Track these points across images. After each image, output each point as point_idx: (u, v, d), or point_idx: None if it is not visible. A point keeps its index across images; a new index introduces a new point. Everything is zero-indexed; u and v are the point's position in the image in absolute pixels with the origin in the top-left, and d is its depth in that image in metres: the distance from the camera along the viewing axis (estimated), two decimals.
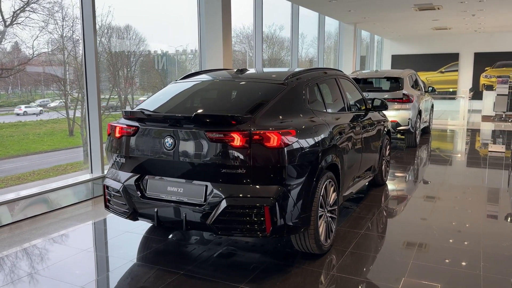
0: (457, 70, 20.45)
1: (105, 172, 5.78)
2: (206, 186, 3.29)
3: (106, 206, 3.84)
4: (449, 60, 20.50)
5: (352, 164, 4.54)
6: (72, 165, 9.00)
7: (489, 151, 9.19)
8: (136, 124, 3.53)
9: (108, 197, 3.78)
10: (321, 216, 3.67)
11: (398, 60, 21.29)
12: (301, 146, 3.38)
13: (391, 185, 6.41)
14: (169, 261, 3.74)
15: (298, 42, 12.42)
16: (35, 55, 7.63)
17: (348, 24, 15.21)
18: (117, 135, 3.61)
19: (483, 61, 19.87)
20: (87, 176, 5.69)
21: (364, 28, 17.44)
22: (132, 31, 9.48)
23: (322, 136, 3.73)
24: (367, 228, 4.54)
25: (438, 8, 12.01)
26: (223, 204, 3.19)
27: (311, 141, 3.52)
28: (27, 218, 4.87)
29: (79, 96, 8.84)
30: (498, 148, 9.34)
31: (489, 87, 19.19)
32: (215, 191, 3.24)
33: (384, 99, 8.63)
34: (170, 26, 9.93)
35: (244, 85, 3.95)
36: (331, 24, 15.11)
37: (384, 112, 6.26)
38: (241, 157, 3.14)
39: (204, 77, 4.30)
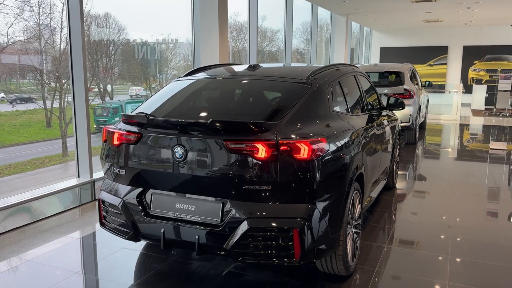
0: (445, 64, 20.29)
1: (94, 176, 5.25)
2: (223, 203, 2.81)
3: (102, 224, 3.31)
4: (438, 53, 20.31)
5: (373, 169, 4.13)
6: (50, 158, 8.57)
7: (491, 148, 8.93)
8: (139, 130, 3.01)
9: (104, 214, 3.26)
10: (348, 233, 3.23)
11: (387, 53, 21.02)
12: (332, 156, 2.92)
13: (402, 188, 6.03)
14: (174, 285, 3.26)
15: (292, 34, 11.93)
16: (9, 43, 7.11)
17: (340, 15, 14.78)
18: (116, 142, 3.08)
19: (471, 54, 19.73)
20: (74, 182, 5.12)
21: (355, 20, 17.04)
22: (112, 19, 9.00)
23: (351, 143, 3.28)
24: (389, 242, 4.14)
25: (435, 0, 11.67)
26: (244, 226, 2.71)
27: (341, 150, 3.07)
28: (7, 231, 4.30)
29: (57, 86, 8.33)
30: (500, 146, 9.09)
31: (478, 81, 19.10)
32: (234, 210, 2.76)
33: (384, 94, 8.28)
34: (152, 14, 9.41)
35: (262, 84, 3.45)
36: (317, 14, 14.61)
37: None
38: (266, 170, 2.67)
39: (212, 74, 3.77)
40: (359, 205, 3.54)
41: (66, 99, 8.28)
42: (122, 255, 3.79)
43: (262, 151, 2.64)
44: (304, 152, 2.68)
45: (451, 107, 14.49)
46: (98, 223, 3.43)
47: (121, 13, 8.88)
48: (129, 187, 3.08)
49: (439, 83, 19.97)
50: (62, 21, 7.76)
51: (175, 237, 2.93)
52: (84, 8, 5.10)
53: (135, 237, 3.07)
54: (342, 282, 3.30)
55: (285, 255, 2.72)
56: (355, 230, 3.44)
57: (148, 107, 3.32)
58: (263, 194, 2.71)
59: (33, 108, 8.42)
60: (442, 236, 4.27)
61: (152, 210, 3.00)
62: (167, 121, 2.92)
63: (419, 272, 3.52)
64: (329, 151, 2.87)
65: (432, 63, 20.46)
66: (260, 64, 3.89)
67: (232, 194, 2.76)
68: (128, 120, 3.08)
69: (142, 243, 3.96)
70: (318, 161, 2.75)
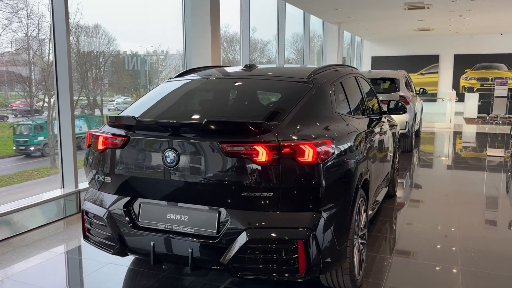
0: (437, 72, 20.30)
1: (79, 186, 4.96)
2: (219, 213, 2.55)
3: (86, 237, 3.03)
4: (429, 62, 20.31)
5: (376, 176, 3.90)
6: (38, 170, 8.29)
7: (488, 155, 8.77)
8: (126, 133, 2.75)
9: (88, 226, 2.97)
10: (354, 244, 2.98)
11: (378, 62, 20.98)
12: (338, 160, 2.69)
13: (403, 196, 5.81)
14: None
15: (284, 43, 11.76)
16: None
17: (332, 24, 14.70)
18: (101, 147, 2.81)
19: (462, 63, 19.75)
20: (58, 192, 4.82)
21: (346, 28, 16.98)
22: (102, 31, 8.80)
23: (356, 146, 3.05)
24: (395, 252, 3.89)
25: (428, 7, 11.60)
26: (243, 237, 2.45)
27: (347, 154, 2.84)
28: None
29: (45, 97, 8.10)
30: (497, 153, 8.93)
31: (470, 89, 19.10)
32: (232, 220, 2.50)
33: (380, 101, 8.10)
34: (142, 25, 9.21)
35: (259, 83, 3.22)
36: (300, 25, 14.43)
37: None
38: (267, 175, 2.42)
39: (205, 74, 3.53)
40: (364, 214, 3.30)
41: (54, 111, 8.02)
42: (109, 271, 3.50)
43: (262, 154, 2.40)
44: (308, 154, 2.44)
45: (444, 115, 14.39)
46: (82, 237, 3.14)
47: (111, 24, 8.68)
48: (115, 196, 2.81)
49: (431, 91, 19.93)
50: (50, 32, 7.58)
51: (166, 250, 2.66)
52: (73, 20, 4.90)
53: (122, 252, 2.79)
54: None
55: (288, 269, 2.46)
56: (360, 241, 3.19)
57: (136, 109, 3.06)
58: (263, 202, 2.45)
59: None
60: (446, 245, 4.04)
61: (141, 221, 2.73)
62: (157, 123, 2.67)
63: (430, 285, 3.27)
64: (334, 154, 2.64)
65: (424, 72, 20.45)
66: (256, 65, 3.66)
67: (229, 202, 2.50)
68: (115, 122, 2.82)
69: (131, 258, 3.67)
70: (324, 165, 2.51)
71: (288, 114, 2.67)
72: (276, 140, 2.43)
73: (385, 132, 4.50)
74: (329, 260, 2.59)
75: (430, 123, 14.47)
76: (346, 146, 2.86)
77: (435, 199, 5.78)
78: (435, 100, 18.11)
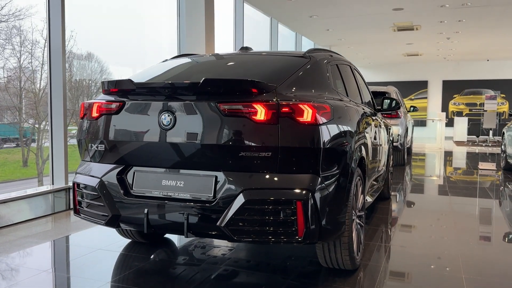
0: (426, 98, 20.63)
1: (69, 183, 4.85)
2: (216, 177, 2.48)
3: (77, 211, 2.92)
4: (418, 87, 20.67)
5: (372, 164, 3.86)
6: None
7: (480, 169, 8.81)
8: (121, 98, 2.70)
9: (80, 198, 2.87)
10: (353, 220, 2.91)
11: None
12: (336, 127, 2.66)
13: (397, 199, 5.77)
14: (157, 283, 2.85)
15: None
16: None
17: (323, 46, 14.97)
18: (95, 114, 2.75)
19: (451, 88, 20.14)
20: (47, 187, 4.70)
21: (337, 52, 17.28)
22: (95, 59, 8.86)
23: (355, 121, 3.04)
24: (394, 241, 3.82)
25: (417, 29, 11.90)
26: (240, 199, 2.39)
27: (345, 124, 2.82)
28: None
29: (35, 125, 8.07)
30: (489, 166, 8.98)
31: (459, 114, 19.38)
32: (229, 182, 2.43)
33: None
34: (137, 54, 9.27)
35: (257, 58, 3.22)
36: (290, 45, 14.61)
37: None
38: (265, 135, 2.38)
39: (202, 54, 3.52)
40: (362, 195, 3.25)
41: (44, 137, 7.96)
42: (99, 255, 3.37)
43: (261, 113, 2.36)
44: (307, 115, 2.41)
45: (434, 139, 14.58)
46: (73, 233, 3.03)
47: (104, 52, 8.71)
48: (109, 166, 2.74)
49: (420, 116, 20.18)
50: (43, 57, 7.55)
51: (160, 218, 2.57)
52: (67, 46, 4.97)
53: (114, 222, 2.69)
54: (347, 277, 2.94)
55: (286, 232, 2.38)
56: (358, 221, 3.13)
57: (135, 78, 3.01)
58: (261, 163, 2.40)
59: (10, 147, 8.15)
60: (445, 238, 3.98)
61: (135, 189, 2.65)
62: (154, 84, 2.63)
63: (430, 266, 3.19)
64: (332, 120, 2.61)
65: (413, 97, 20.76)
66: (251, 48, 3.67)
67: (226, 164, 2.45)
68: (110, 89, 2.77)
69: (121, 244, 3.55)
70: (323, 128, 2.48)
71: (287, 79, 2.67)
72: (275, 99, 2.41)
73: (380, 126, 4.49)
74: (327, 226, 2.52)
75: (421, 144, 14.60)
76: (344, 116, 2.84)
77: (428, 204, 5.75)
78: (425, 124, 18.33)
